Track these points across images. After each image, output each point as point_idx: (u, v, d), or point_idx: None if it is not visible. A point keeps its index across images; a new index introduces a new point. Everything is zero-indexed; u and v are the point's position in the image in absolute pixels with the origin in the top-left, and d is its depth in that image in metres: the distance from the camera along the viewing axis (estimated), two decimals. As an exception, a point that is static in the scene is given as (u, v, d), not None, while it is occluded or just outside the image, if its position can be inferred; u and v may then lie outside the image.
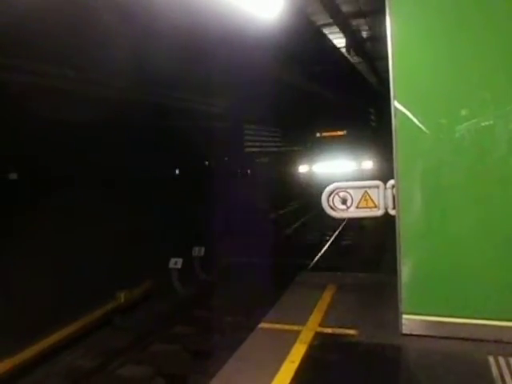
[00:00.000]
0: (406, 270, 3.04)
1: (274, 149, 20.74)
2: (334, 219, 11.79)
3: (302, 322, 3.43)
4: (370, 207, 3.26)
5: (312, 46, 8.50)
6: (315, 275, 4.66)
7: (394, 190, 3.12)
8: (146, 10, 5.30)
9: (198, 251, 8.03)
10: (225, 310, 6.33)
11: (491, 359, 2.68)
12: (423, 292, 3.05)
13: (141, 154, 9.04)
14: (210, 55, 7.08)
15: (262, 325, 3.48)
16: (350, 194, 3.28)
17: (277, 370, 2.74)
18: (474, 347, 2.82)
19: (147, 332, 5.92)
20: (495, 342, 2.83)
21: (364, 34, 6.94)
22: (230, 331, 5.65)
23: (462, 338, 2.89)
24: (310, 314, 3.57)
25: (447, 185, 2.99)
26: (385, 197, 3.23)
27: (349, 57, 8.43)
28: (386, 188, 3.23)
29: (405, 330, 3.05)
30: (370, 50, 8.38)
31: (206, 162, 14.61)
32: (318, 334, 3.21)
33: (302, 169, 18.17)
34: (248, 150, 17.57)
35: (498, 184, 2.89)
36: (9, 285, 5.54)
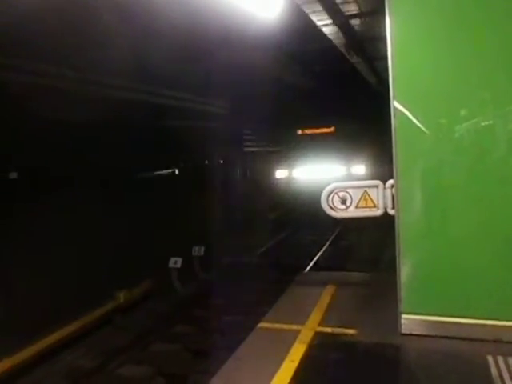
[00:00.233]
0: (405, 270, 3.04)
1: (245, 150, 16.09)
2: (314, 240, 9.93)
3: (302, 321, 3.44)
4: (370, 207, 3.26)
5: (308, 42, 8.13)
6: (315, 275, 4.67)
7: (394, 189, 3.13)
8: (145, 9, 5.27)
9: (198, 250, 8.03)
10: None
11: (490, 359, 2.69)
12: (422, 292, 3.06)
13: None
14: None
15: (262, 324, 3.48)
16: (350, 194, 3.28)
17: (276, 369, 2.75)
18: (473, 347, 2.83)
19: (147, 331, 5.93)
20: (494, 341, 2.83)
21: (364, 34, 6.95)
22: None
23: (461, 338, 2.90)
24: (310, 314, 3.57)
25: (447, 185, 3.00)
26: (384, 197, 3.23)
27: (348, 56, 8.41)
28: (385, 188, 3.24)
29: (404, 329, 3.06)
30: (370, 50, 8.37)
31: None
32: (317, 334, 3.22)
33: (280, 174, 14.94)
34: (209, 150, 13.00)
35: (498, 184, 2.89)
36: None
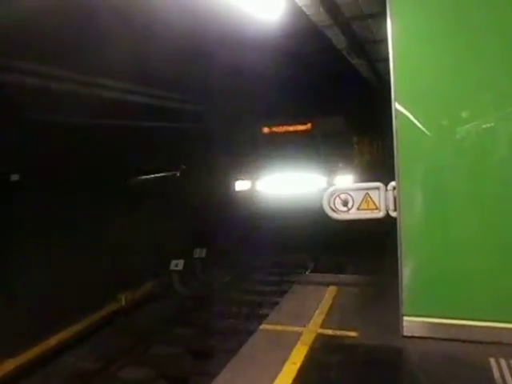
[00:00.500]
0: (407, 272, 3.04)
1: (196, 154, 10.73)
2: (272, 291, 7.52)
3: (304, 323, 3.44)
4: (371, 209, 3.26)
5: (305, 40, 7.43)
6: (317, 277, 4.66)
7: (395, 191, 3.12)
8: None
9: (200, 252, 8.02)
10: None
11: (492, 361, 2.68)
12: (424, 294, 3.05)
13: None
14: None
15: (264, 326, 3.48)
16: (351, 196, 3.28)
17: (278, 371, 2.75)
18: (475, 349, 2.82)
19: (149, 333, 5.94)
20: (496, 343, 2.83)
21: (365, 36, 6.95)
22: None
23: (463, 340, 2.89)
24: (312, 316, 3.57)
25: (448, 186, 3.00)
26: (386, 199, 3.23)
27: (348, 57, 8.35)
28: (387, 190, 3.24)
29: (406, 331, 3.05)
30: (370, 51, 8.32)
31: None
32: (319, 336, 3.22)
33: (240, 186, 10.67)
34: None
35: (499, 185, 2.89)
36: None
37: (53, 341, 5.44)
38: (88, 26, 5.51)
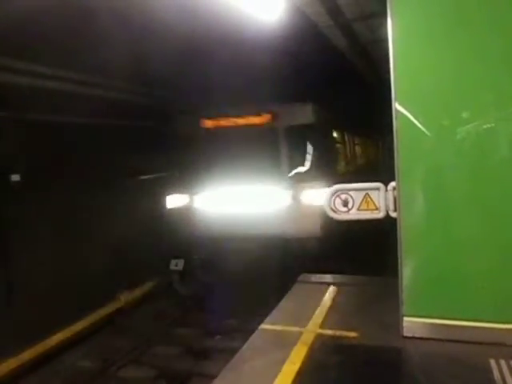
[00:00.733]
0: (407, 273, 3.03)
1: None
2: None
3: (303, 323, 3.43)
4: (371, 209, 3.25)
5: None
6: (317, 277, 4.64)
7: (395, 192, 3.12)
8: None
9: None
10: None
11: (493, 362, 2.67)
12: (425, 294, 3.05)
13: None
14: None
15: (264, 326, 3.48)
16: (352, 196, 3.27)
17: (278, 371, 2.74)
18: (475, 350, 2.82)
19: (148, 333, 5.93)
20: (497, 344, 2.82)
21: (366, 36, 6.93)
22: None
23: (464, 341, 2.88)
24: (311, 316, 3.56)
25: (448, 187, 2.99)
26: (386, 199, 3.22)
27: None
28: (387, 190, 3.23)
29: (406, 332, 3.05)
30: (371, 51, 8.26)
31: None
32: (319, 336, 3.21)
33: (173, 203, 7.35)
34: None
35: (500, 186, 2.88)
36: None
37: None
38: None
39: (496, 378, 2.52)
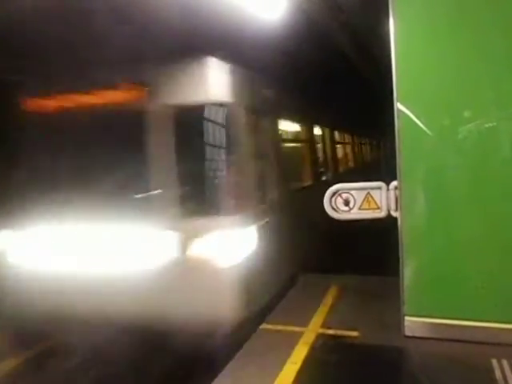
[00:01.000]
0: (408, 272, 3.03)
1: None
2: None
3: (305, 323, 3.43)
4: (373, 209, 3.25)
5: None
6: (318, 277, 4.64)
7: (397, 191, 3.11)
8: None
9: None
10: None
11: (494, 362, 2.67)
12: (426, 294, 3.04)
13: None
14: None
15: (265, 326, 3.47)
16: (353, 196, 3.26)
17: (279, 370, 2.75)
18: (476, 350, 2.81)
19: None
20: (499, 344, 2.81)
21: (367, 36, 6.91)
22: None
23: (465, 341, 2.88)
24: (313, 316, 3.56)
25: (450, 186, 2.98)
26: (387, 198, 3.21)
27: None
28: (388, 190, 3.22)
29: (407, 332, 3.04)
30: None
31: None
32: (320, 336, 3.21)
33: None
34: None
35: (502, 185, 2.87)
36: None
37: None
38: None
39: (498, 378, 2.52)
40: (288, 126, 5.64)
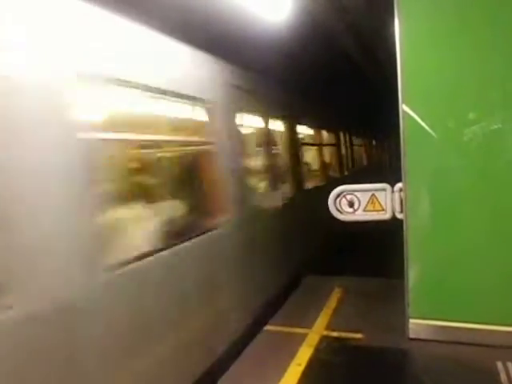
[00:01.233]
0: (413, 274, 3.02)
1: None
2: None
3: (309, 325, 3.43)
4: (377, 210, 3.24)
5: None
6: (322, 279, 4.63)
7: (402, 193, 3.11)
8: None
9: None
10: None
11: (500, 365, 2.65)
12: (431, 296, 3.03)
13: None
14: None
15: (269, 327, 3.47)
16: (357, 197, 3.26)
17: (283, 372, 2.74)
18: (482, 352, 2.79)
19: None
20: (504, 347, 2.79)
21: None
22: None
23: (470, 343, 2.86)
24: (317, 318, 3.56)
25: (455, 188, 2.97)
26: (392, 200, 3.21)
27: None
28: (393, 191, 3.22)
29: (412, 334, 3.03)
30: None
31: None
32: (324, 338, 3.21)
33: None
34: None
35: (507, 187, 2.86)
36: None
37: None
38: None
39: (503, 381, 2.50)
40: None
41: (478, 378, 2.60)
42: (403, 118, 2.98)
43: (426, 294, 3.04)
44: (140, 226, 2.79)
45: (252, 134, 4.62)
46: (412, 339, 3.02)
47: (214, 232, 3.26)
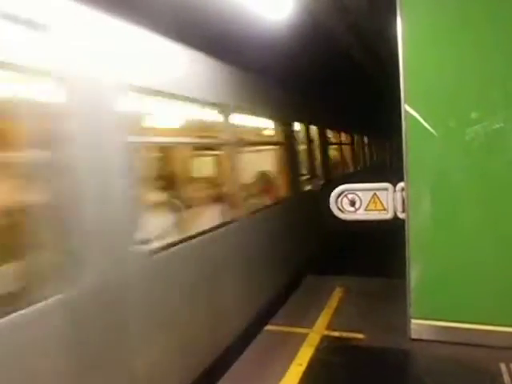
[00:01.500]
0: (415, 274, 3.00)
1: None
2: None
3: (310, 325, 3.41)
4: (379, 210, 3.23)
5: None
6: (323, 279, 4.62)
7: (404, 193, 3.09)
8: None
9: None
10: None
11: (503, 366, 2.63)
12: (432, 297, 3.01)
13: None
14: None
15: (269, 327, 3.46)
16: (359, 197, 3.25)
17: (284, 372, 2.73)
18: (484, 353, 2.77)
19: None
20: (507, 348, 2.77)
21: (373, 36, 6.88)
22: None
23: (473, 344, 2.84)
24: (318, 317, 3.54)
25: (457, 188, 2.95)
26: (394, 199, 3.19)
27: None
28: (395, 191, 3.20)
29: (413, 334, 3.01)
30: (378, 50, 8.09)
31: None
32: (325, 338, 3.19)
33: None
34: None
35: (509, 187, 2.84)
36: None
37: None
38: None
39: (506, 382, 2.48)
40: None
41: (480, 380, 2.57)
42: (405, 117, 2.97)
43: (428, 294, 3.02)
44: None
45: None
46: (414, 340, 3.01)
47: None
